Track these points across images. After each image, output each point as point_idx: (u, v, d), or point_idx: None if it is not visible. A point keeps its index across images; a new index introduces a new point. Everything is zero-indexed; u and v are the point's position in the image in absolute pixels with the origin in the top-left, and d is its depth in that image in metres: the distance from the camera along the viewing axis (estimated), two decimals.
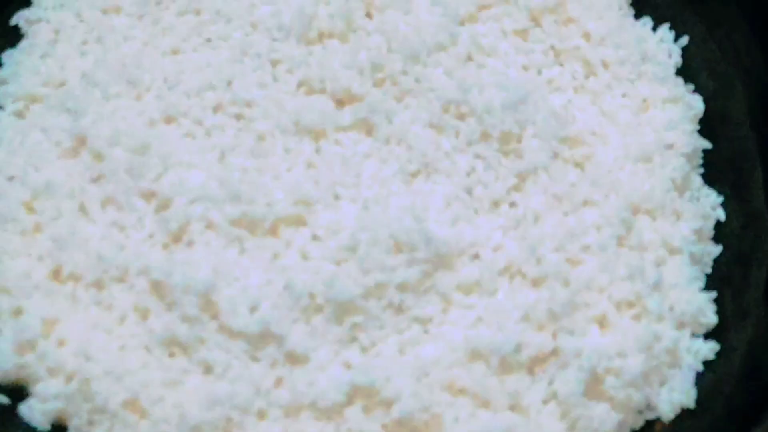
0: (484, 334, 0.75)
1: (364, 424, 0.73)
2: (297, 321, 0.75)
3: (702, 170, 0.87)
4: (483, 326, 0.76)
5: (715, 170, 0.88)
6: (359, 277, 0.75)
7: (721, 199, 0.86)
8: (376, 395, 0.73)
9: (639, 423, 0.77)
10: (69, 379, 0.74)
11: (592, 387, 0.75)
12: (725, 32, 0.91)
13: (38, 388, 0.74)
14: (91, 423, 0.74)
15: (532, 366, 0.75)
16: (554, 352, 0.76)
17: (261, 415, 0.73)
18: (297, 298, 0.75)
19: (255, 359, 0.74)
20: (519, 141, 0.82)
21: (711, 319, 0.80)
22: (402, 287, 0.76)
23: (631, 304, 0.77)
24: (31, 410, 0.74)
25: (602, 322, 0.77)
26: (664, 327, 0.77)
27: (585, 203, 0.81)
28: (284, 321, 0.74)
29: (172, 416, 0.73)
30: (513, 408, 0.74)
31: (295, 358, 0.74)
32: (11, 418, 0.75)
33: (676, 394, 0.76)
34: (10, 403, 0.75)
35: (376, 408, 0.73)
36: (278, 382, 0.74)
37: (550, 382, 0.75)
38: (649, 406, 0.76)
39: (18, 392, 0.75)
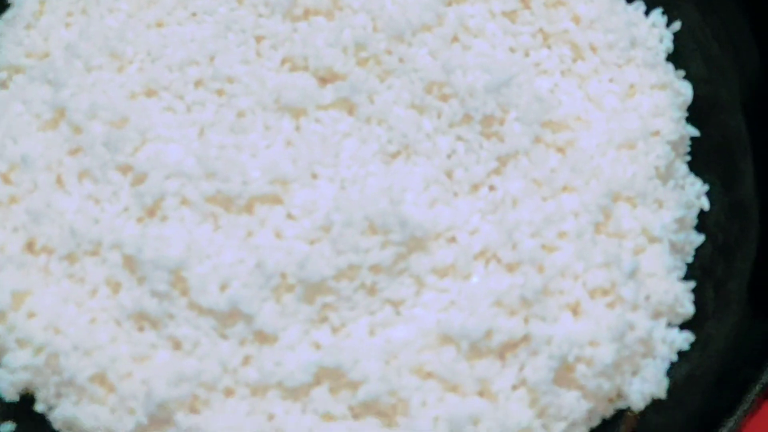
0: (455, 318, 0.74)
1: (331, 405, 0.73)
2: (267, 300, 0.74)
3: (689, 158, 0.86)
4: (455, 310, 0.75)
5: (702, 158, 0.87)
6: (332, 257, 0.75)
7: (706, 188, 0.85)
8: (343, 377, 0.73)
9: (609, 412, 0.76)
10: (38, 351, 0.74)
11: (563, 375, 0.75)
12: (720, 19, 0.89)
13: (6, 359, 0.75)
14: (58, 395, 0.74)
15: (503, 352, 0.75)
16: (525, 338, 0.75)
17: (228, 392, 0.73)
18: (268, 277, 0.74)
19: (224, 337, 0.74)
20: (501, 124, 0.81)
21: (688, 309, 0.79)
22: (375, 269, 0.75)
23: (605, 292, 0.77)
24: None
25: (575, 310, 0.76)
26: (638, 316, 0.77)
27: (564, 189, 0.80)
28: (254, 300, 0.74)
29: (139, 392, 0.73)
30: (482, 393, 0.74)
31: (263, 337, 0.74)
32: None
33: (648, 384, 0.76)
34: None
35: (343, 389, 0.73)
36: (246, 360, 0.74)
37: (521, 369, 0.74)
38: (620, 395, 0.76)
39: None
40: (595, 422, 0.76)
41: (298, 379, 0.72)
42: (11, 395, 0.75)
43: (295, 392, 0.73)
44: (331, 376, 0.73)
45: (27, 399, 0.75)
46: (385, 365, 0.73)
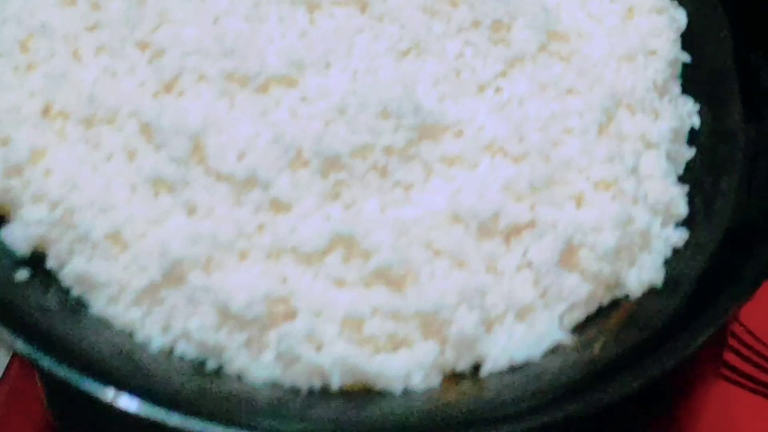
0: (464, 200, 0.77)
1: (343, 272, 0.74)
2: (283, 170, 0.76)
3: (681, 81, 0.90)
4: (464, 194, 0.77)
5: (691, 86, 0.90)
6: (347, 135, 0.77)
7: (697, 107, 0.88)
8: (356, 245, 0.74)
9: (607, 299, 0.78)
10: (53, 207, 0.75)
11: (566, 258, 0.77)
12: None
13: (22, 213, 0.75)
14: (71, 252, 0.74)
15: (509, 235, 0.77)
16: (531, 222, 0.77)
17: (242, 255, 0.74)
18: (285, 149, 0.76)
19: (239, 203, 0.75)
20: (508, 30, 0.84)
21: (682, 210, 0.82)
22: (388, 151, 0.77)
23: (608, 186, 0.80)
24: (12, 234, 0.75)
25: (579, 200, 0.79)
26: (637, 210, 0.80)
27: (569, 92, 0.83)
28: (271, 169, 0.75)
29: (153, 251, 0.73)
30: (488, 271, 0.76)
31: (278, 206, 0.75)
32: None
33: (645, 273, 0.78)
34: None
35: (355, 258, 0.74)
36: (261, 227, 0.75)
37: (525, 251, 0.77)
38: (618, 284, 0.78)
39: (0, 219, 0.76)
40: (593, 308, 0.78)
41: (312, 244, 0.74)
42: (24, 249, 0.75)
43: (308, 258, 0.74)
44: (345, 244, 0.74)
45: (38, 256, 0.75)
46: (396, 238, 0.75)
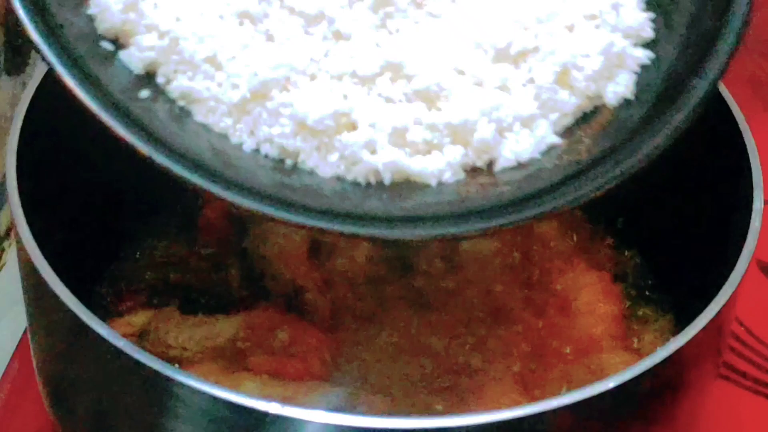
0: (486, 31, 0.97)
1: (390, 91, 0.95)
2: (344, 7, 0.95)
3: None
4: (485, 24, 0.98)
5: None
6: None
7: None
8: (401, 70, 0.95)
9: (590, 107, 1.00)
10: (162, 35, 0.93)
11: (561, 79, 0.98)
12: None
13: (137, 40, 0.93)
14: (176, 71, 0.94)
15: (518, 59, 0.98)
16: (535, 49, 0.98)
17: (312, 77, 0.94)
18: None
19: (309, 33, 0.95)
20: None
21: (649, 33, 1.03)
22: None
23: (594, 17, 1.00)
24: (129, 56, 0.93)
25: (571, 29, 1.00)
26: (616, 37, 1.00)
27: None
28: (335, 6, 0.95)
29: (243, 71, 0.93)
30: (501, 89, 0.97)
31: (340, 36, 0.95)
32: (112, 62, 0.93)
33: (620, 88, 1.00)
34: (114, 49, 0.94)
35: (400, 79, 0.95)
36: (326, 54, 0.95)
37: (530, 71, 0.98)
38: (599, 96, 1.00)
39: (118, 43, 0.95)
40: (578, 115, 1.00)
41: (366, 69, 0.94)
42: (139, 69, 0.93)
43: (364, 80, 0.94)
44: (392, 69, 0.95)
45: (149, 75, 0.94)
46: (431, 63, 0.95)
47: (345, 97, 0.94)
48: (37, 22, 0.89)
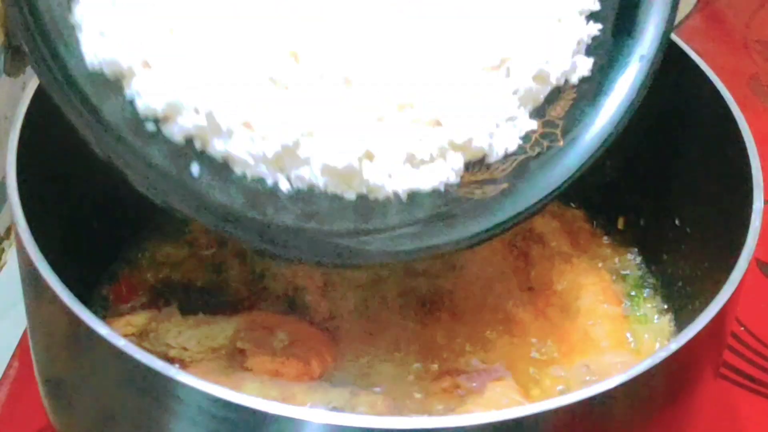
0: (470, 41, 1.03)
1: (398, 120, 0.99)
2: None
3: None
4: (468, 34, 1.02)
5: None
6: None
7: None
8: (407, 102, 1.00)
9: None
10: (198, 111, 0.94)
11: (537, 76, 1.04)
12: None
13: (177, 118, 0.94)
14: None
15: (500, 66, 1.03)
16: (515, 55, 1.03)
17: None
18: None
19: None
20: None
21: (596, 6, 1.08)
22: None
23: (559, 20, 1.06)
24: (171, 132, 0.94)
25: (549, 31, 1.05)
26: (580, 32, 1.07)
27: None
28: None
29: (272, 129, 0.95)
30: (491, 94, 1.02)
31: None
32: (156, 137, 0.94)
33: (580, 71, 1.07)
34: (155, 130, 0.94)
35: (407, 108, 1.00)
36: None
37: (508, 75, 1.03)
38: (566, 81, 1.06)
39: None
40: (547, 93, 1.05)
41: (379, 108, 0.99)
42: (179, 140, 0.94)
43: (377, 117, 0.99)
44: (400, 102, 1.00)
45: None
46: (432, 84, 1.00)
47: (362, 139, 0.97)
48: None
